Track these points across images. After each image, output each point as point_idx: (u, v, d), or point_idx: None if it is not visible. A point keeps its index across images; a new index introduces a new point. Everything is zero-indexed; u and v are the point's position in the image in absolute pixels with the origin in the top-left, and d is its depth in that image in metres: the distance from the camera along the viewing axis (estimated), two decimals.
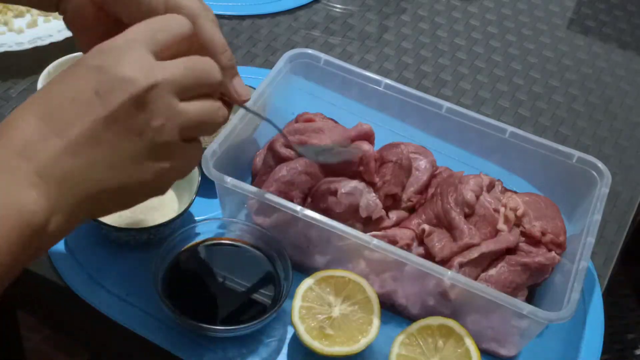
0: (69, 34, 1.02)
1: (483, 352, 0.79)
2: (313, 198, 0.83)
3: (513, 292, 0.80)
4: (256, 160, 0.88)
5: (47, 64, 0.90)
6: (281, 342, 0.79)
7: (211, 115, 0.59)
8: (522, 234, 0.83)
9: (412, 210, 0.86)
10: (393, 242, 0.81)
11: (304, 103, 0.92)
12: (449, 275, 0.75)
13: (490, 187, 0.86)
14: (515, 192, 0.88)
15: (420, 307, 0.80)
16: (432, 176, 0.88)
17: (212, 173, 0.77)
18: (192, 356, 0.77)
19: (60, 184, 0.53)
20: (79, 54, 0.92)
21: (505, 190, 0.88)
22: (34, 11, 1.06)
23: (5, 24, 1.04)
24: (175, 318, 0.75)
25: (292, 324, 0.76)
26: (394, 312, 0.82)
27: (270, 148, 0.86)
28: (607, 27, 1.24)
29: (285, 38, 1.11)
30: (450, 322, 0.77)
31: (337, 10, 1.19)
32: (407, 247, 0.81)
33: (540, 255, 0.81)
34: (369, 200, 0.82)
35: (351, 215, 0.82)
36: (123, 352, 0.86)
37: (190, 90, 0.57)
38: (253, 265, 0.81)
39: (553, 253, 0.82)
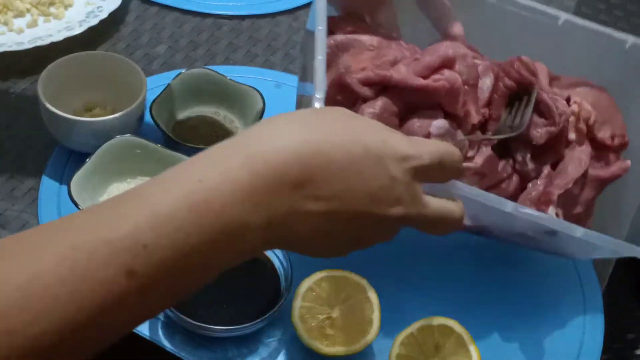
0: (69, 33, 1.01)
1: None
2: None
3: (587, 210, 0.76)
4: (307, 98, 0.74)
5: (47, 64, 0.90)
6: (281, 342, 0.79)
7: (449, 216, 0.57)
8: (590, 140, 0.78)
9: (483, 126, 0.78)
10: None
11: None
12: (580, 233, 0.69)
13: (552, 79, 0.81)
14: (572, 84, 0.82)
15: (517, 239, 0.78)
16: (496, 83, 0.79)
17: None
18: (192, 356, 0.77)
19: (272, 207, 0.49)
20: (79, 53, 0.92)
21: (555, 77, 0.82)
22: (34, 11, 1.06)
23: (5, 24, 1.04)
24: (175, 318, 0.75)
25: (292, 324, 0.76)
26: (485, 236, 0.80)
27: (341, 84, 0.74)
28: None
29: (285, 38, 1.11)
30: (450, 322, 0.77)
31: None
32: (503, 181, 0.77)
33: (614, 165, 0.77)
34: (459, 139, 0.75)
35: None
36: (123, 352, 0.86)
37: (422, 228, 0.57)
38: (253, 265, 0.81)
39: (628, 162, 0.78)
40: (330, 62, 0.75)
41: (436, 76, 0.74)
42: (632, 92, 0.83)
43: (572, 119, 0.78)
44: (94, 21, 1.04)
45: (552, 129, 0.76)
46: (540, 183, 0.76)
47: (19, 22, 1.05)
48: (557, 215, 0.74)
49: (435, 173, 0.56)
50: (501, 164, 0.77)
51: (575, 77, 0.84)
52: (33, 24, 1.05)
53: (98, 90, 0.93)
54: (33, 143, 0.93)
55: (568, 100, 0.79)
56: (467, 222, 0.72)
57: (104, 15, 1.05)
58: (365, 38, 0.77)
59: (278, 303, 0.76)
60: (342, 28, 0.78)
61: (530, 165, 0.77)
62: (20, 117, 0.96)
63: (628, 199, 0.81)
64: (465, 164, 0.73)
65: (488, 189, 0.75)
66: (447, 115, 0.75)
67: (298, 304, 0.77)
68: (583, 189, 0.77)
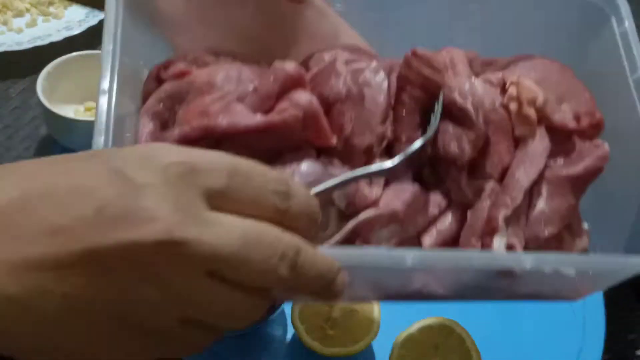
0: (68, 33, 1.02)
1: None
2: None
3: (571, 218, 0.56)
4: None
5: (47, 64, 0.90)
6: (281, 342, 0.79)
7: (238, 315, 0.40)
8: (547, 128, 0.57)
9: (389, 153, 0.57)
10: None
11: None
12: (530, 262, 0.48)
13: (474, 64, 0.59)
14: (510, 63, 0.61)
15: (462, 292, 0.58)
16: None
17: None
18: (192, 356, 0.76)
19: None
20: (78, 53, 0.92)
21: (488, 62, 0.60)
22: (34, 11, 1.06)
23: (5, 23, 1.04)
24: None
25: (292, 324, 0.76)
26: (421, 299, 0.59)
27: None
28: None
29: None
30: (450, 322, 0.77)
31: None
32: (439, 215, 0.56)
33: (588, 157, 0.56)
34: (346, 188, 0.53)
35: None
36: None
37: (234, 274, 0.38)
38: None
39: (604, 146, 0.56)
40: (167, 124, 0.55)
41: (282, 104, 0.53)
42: (588, 56, 0.63)
43: (513, 105, 0.56)
44: (94, 21, 1.04)
45: (472, 135, 0.55)
46: (482, 207, 0.54)
47: (18, 22, 1.05)
48: (511, 247, 0.53)
49: (230, 197, 0.38)
50: (432, 198, 0.56)
51: (513, 56, 0.61)
52: (32, 24, 1.05)
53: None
54: (33, 143, 0.93)
55: (503, 86, 0.58)
56: (393, 291, 0.56)
57: (103, 15, 1.05)
58: (203, 76, 0.55)
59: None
60: (174, 70, 0.56)
61: (469, 190, 0.56)
62: (20, 117, 0.96)
63: (626, 200, 0.60)
64: (367, 212, 0.54)
65: (418, 236, 0.55)
66: (322, 151, 0.55)
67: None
68: (557, 192, 0.55)
